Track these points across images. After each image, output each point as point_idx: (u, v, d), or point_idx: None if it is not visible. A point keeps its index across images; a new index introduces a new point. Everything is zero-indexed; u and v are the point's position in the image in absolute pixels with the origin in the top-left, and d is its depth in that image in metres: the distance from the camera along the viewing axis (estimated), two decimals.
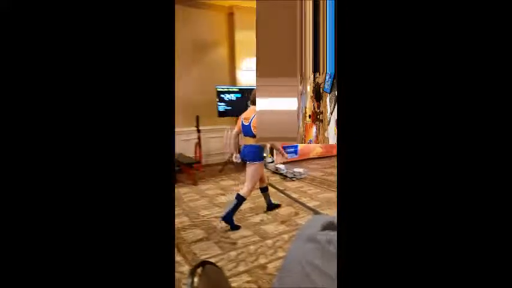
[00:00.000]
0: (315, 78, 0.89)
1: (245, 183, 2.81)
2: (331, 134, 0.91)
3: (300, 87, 0.89)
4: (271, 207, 3.13)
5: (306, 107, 0.92)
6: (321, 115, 0.91)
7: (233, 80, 5.51)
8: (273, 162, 5.03)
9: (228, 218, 2.68)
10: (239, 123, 2.81)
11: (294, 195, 3.62)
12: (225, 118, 5.13)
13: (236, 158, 3.00)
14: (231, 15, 5.33)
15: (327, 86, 0.88)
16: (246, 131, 2.72)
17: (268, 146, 4.62)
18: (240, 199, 2.71)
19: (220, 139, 5.41)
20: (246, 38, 5.14)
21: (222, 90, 4.96)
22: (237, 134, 2.91)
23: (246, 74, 5.38)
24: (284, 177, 4.44)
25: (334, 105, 0.89)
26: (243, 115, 2.79)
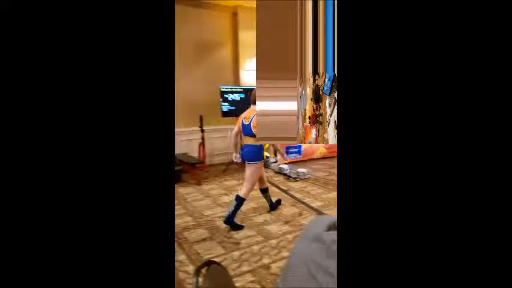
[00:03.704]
0: (314, 80, 0.89)
1: (244, 183, 2.80)
2: (331, 135, 0.91)
3: (300, 89, 0.90)
4: (273, 207, 3.13)
5: (305, 109, 0.92)
6: (320, 117, 0.91)
7: (237, 80, 5.52)
8: (276, 162, 5.03)
9: (229, 220, 2.67)
10: (239, 122, 2.80)
11: (298, 196, 3.62)
12: (229, 118, 5.15)
13: (236, 158, 2.99)
14: (234, 15, 5.34)
15: (326, 88, 0.88)
16: (246, 130, 2.71)
17: (271, 146, 4.62)
18: (240, 200, 2.70)
19: (223, 139, 5.43)
20: (250, 38, 5.14)
21: (225, 90, 4.97)
22: (237, 134, 2.89)
23: (250, 74, 5.39)
24: (288, 177, 4.44)
25: (334, 107, 0.89)
26: (243, 114, 2.78)
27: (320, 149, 5.65)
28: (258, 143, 2.68)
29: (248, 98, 4.82)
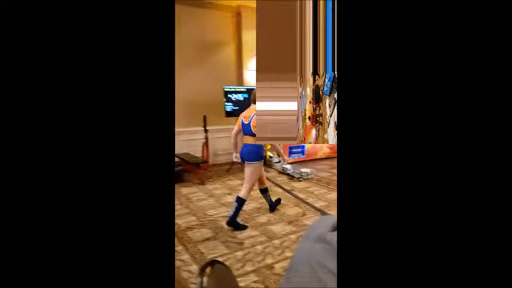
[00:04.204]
0: (314, 80, 0.89)
1: (244, 184, 2.77)
2: (331, 136, 0.91)
3: (300, 89, 0.90)
4: (273, 207, 3.11)
5: (305, 109, 0.92)
6: (320, 117, 0.91)
7: (240, 80, 5.52)
8: (279, 162, 5.02)
9: (232, 221, 2.66)
10: (239, 122, 2.78)
11: (301, 196, 3.62)
12: (232, 118, 5.16)
13: (236, 158, 2.95)
14: (238, 15, 5.34)
15: (326, 88, 0.88)
16: (246, 130, 2.70)
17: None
18: (240, 201, 2.68)
19: (227, 139, 5.43)
20: (253, 38, 5.13)
21: (229, 90, 4.98)
22: (237, 133, 2.86)
23: (254, 74, 5.38)
24: (291, 177, 4.43)
25: (334, 107, 0.89)
26: (243, 114, 2.77)
27: (323, 149, 5.63)
28: (257, 143, 2.66)
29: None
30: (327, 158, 5.65)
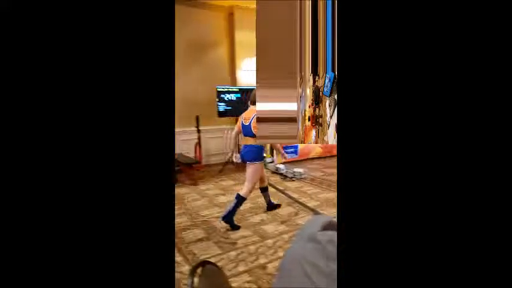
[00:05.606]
0: (314, 81, 0.89)
1: (245, 183, 2.81)
2: (331, 137, 0.91)
3: (300, 90, 0.90)
4: (270, 207, 3.14)
5: (305, 110, 0.92)
6: (320, 118, 0.92)
7: (233, 80, 5.52)
8: (272, 162, 5.03)
9: (228, 218, 2.68)
10: (239, 123, 2.83)
11: (294, 195, 3.63)
12: (225, 118, 5.15)
13: (236, 158, 3.03)
14: (231, 15, 5.33)
15: (326, 89, 0.89)
16: (246, 131, 2.73)
17: (269, 146, 4.63)
18: (240, 199, 2.72)
19: (220, 139, 5.43)
20: (246, 38, 5.14)
21: (222, 90, 4.97)
22: (237, 134, 2.93)
23: (246, 74, 5.39)
24: (284, 177, 4.45)
25: (334, 108, 0.89)
26: (243, 115, 2.80)
27: (316, 149, 5.67)
28: (258, 143, 2.70)
29: (244, 97, 4.84)
30: (319, 158, 5.69)
